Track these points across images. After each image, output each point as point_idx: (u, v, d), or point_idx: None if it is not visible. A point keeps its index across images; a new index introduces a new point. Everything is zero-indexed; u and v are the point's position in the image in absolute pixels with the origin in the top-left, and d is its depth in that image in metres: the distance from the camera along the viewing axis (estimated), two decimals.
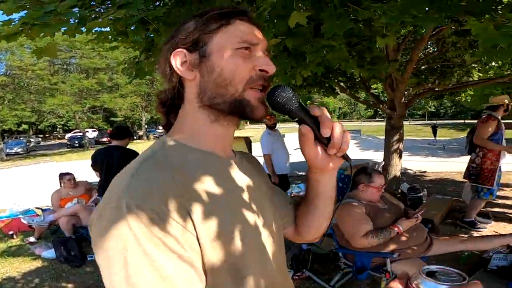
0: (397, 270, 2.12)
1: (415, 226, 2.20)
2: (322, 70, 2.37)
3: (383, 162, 5.13)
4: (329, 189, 0.71)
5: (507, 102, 3.42)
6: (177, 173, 0.52)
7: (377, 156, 8.66)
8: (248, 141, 2.64)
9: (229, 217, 0.54)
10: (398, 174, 4.98)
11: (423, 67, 5.64)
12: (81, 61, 18.62)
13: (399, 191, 5.11)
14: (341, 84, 5.25)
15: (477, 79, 5.61)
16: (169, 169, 0.52)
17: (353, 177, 2.38)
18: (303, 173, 7.74)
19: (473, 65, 5.09)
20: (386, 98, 5.35)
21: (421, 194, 4.69)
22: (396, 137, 4.83)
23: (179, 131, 0.61)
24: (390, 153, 4.89)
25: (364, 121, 42.07)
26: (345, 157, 0.62)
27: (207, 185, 0.54)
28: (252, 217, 0.59)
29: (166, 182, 0.49)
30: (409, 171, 7.99)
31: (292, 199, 0.83)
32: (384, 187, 2.30)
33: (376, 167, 5.38)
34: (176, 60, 0.58)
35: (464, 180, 3.90)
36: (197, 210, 0.50)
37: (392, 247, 2.11)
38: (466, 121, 25.59)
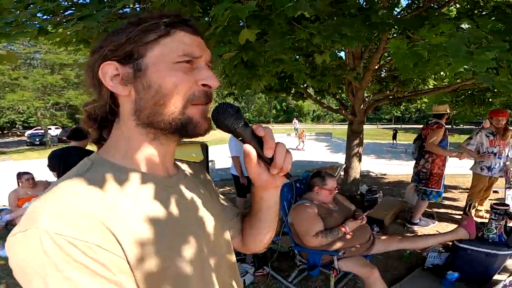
0: (342, 267, 2.30)
1: (362, 226, 2.39)
2: (276, 80, 2.54)
3: (345, 165, 5.42)
4: (272, 205, 0.72)
5: (448, 111, 3.78)
6: (104, 197, 0.49)
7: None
8: (204, 147, 2.72)
9: (164, 238, 0.53)
10: (357, 176, 5.28)
11: (383, 74, 5.99)
12: (46, 56, 17.68)
13: (359, 192, 5.40)
14: (309, 90, 5.48)
15: (432, 87, 6.04)
16: (93, 193, 0.49)
17: (309, 180, 2.56)
18: None
19: (428, 73, 5.48)
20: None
21: (377, 195, 5.01)
22: (356, 142, 5.12)
23: (112, 149, 0.57)
24: (351, 157, 5.17)
25: (335, 124, 43.33)
26: (287, 176, 0.63)
27: (139, 207, 0.52)
28: (190, 235, 0.58)
29: (88, 207, 0.46)
30: (371, 173, 8.43)
31: (239, 211, 0.84)
32: (336, 189, 2.48)
33: (338, 170, 5.68)
34: (106, 74, 0.53)
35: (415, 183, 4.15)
36: (125, 234, 0.48)
37: (338, 245, 2.29)
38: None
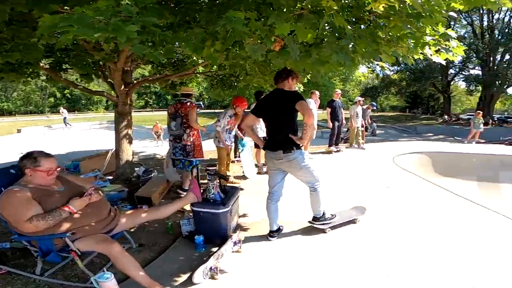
0: (81, 247, 2.15)
1: (95, 204, 2.31)
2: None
3: (114, 148, 5.21)
4: None
5: (193, 91, 4.39)
6: None
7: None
8: None
9: None
10: (130, 158, 5.17)
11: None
12: None
13: (135, 174, 5.35)
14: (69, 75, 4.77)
15: (201, 70, 6.65)
16: None
17: (18, 163, 2.22)
18: None
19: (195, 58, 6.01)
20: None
21: (152, 175, 5.18)
22: (124, 123, 4.97)
23: None
24: (120, 139, 4.98)
25: (134, 111, 41.54)
26: None
27: None
28: None
29: None
30: (157, 155, 8.65)
31: None
32: (57, 169, 2.27)
33: (109, 154, 5.41)
34: None
35: (177, 158, 4.43)
36: None
37: (66, 226, 2.14)
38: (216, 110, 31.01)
